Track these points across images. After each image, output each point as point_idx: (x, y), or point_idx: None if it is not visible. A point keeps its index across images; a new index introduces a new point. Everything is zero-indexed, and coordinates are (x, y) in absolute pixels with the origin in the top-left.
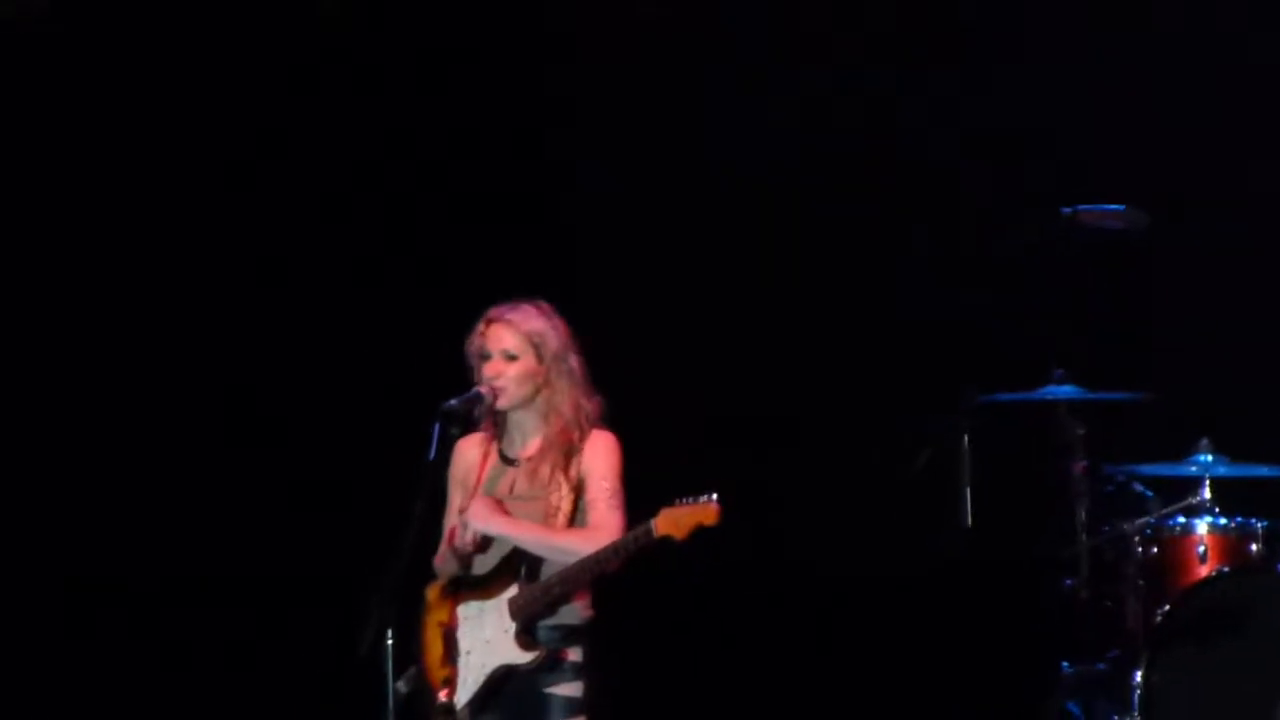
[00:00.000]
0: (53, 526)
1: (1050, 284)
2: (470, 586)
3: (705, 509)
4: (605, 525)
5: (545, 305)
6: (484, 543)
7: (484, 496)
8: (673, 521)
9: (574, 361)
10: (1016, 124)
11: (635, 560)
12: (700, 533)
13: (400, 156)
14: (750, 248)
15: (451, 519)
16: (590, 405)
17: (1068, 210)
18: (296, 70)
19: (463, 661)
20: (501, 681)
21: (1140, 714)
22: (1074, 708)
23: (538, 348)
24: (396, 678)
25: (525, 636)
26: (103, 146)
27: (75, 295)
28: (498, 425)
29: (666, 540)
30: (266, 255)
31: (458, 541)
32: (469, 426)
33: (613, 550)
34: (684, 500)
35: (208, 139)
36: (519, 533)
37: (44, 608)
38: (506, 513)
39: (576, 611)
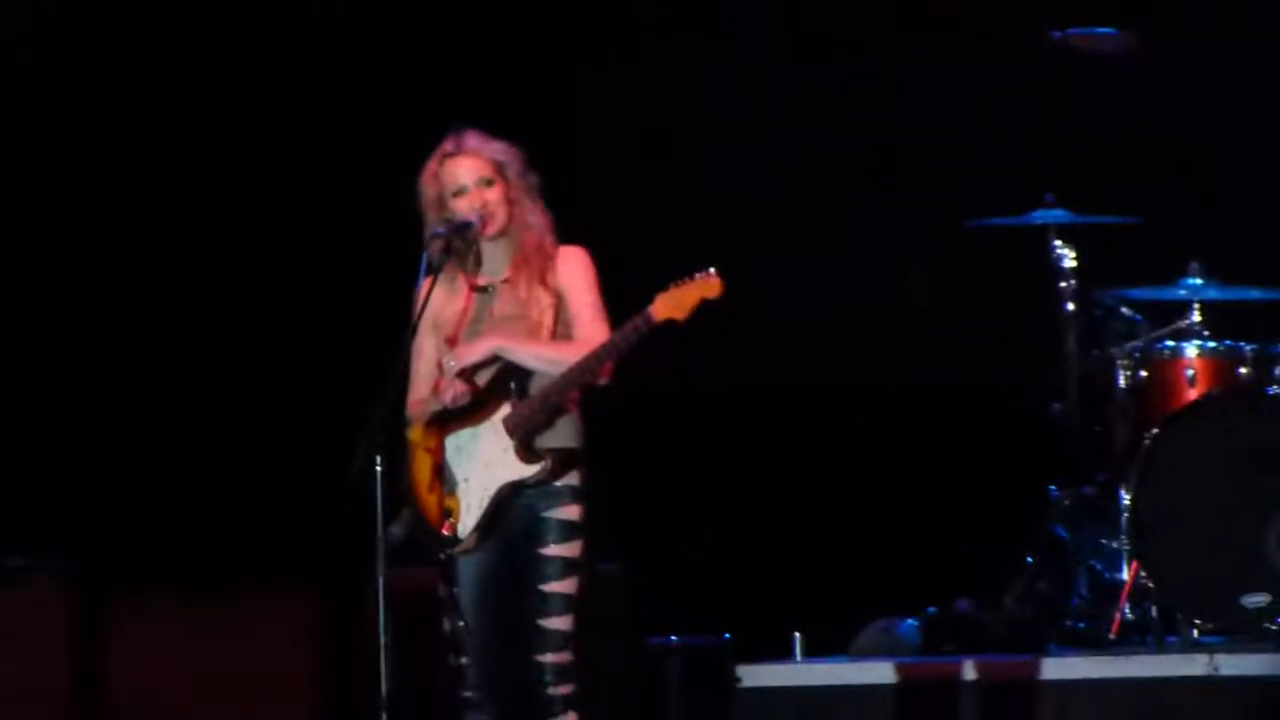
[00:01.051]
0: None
1: (1041, 108)
2: (457, 416)
3: (706, 282)
4: (594, 338)
5: (489, 133)
6: (470, 380)
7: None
8: (673, 303)
9: (533, 178)
10: None
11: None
12: (704, 307)
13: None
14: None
15: (420, 363)
16: (550, 217)
17: (1058, 34)
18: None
19: (462, 489)
20: (506, 502)
21: (1128, 537)
22: (1062, 531)
23: (503, 168)
24: (386, 509)
25: (525, 451)
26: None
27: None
28: (463, 262)
29: (669, 323)
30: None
31: (444, 394)
32: (430, 271)
33: (611, 345)
34: (680, 280)
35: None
36: (520, 347)
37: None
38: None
39: (572, 432)
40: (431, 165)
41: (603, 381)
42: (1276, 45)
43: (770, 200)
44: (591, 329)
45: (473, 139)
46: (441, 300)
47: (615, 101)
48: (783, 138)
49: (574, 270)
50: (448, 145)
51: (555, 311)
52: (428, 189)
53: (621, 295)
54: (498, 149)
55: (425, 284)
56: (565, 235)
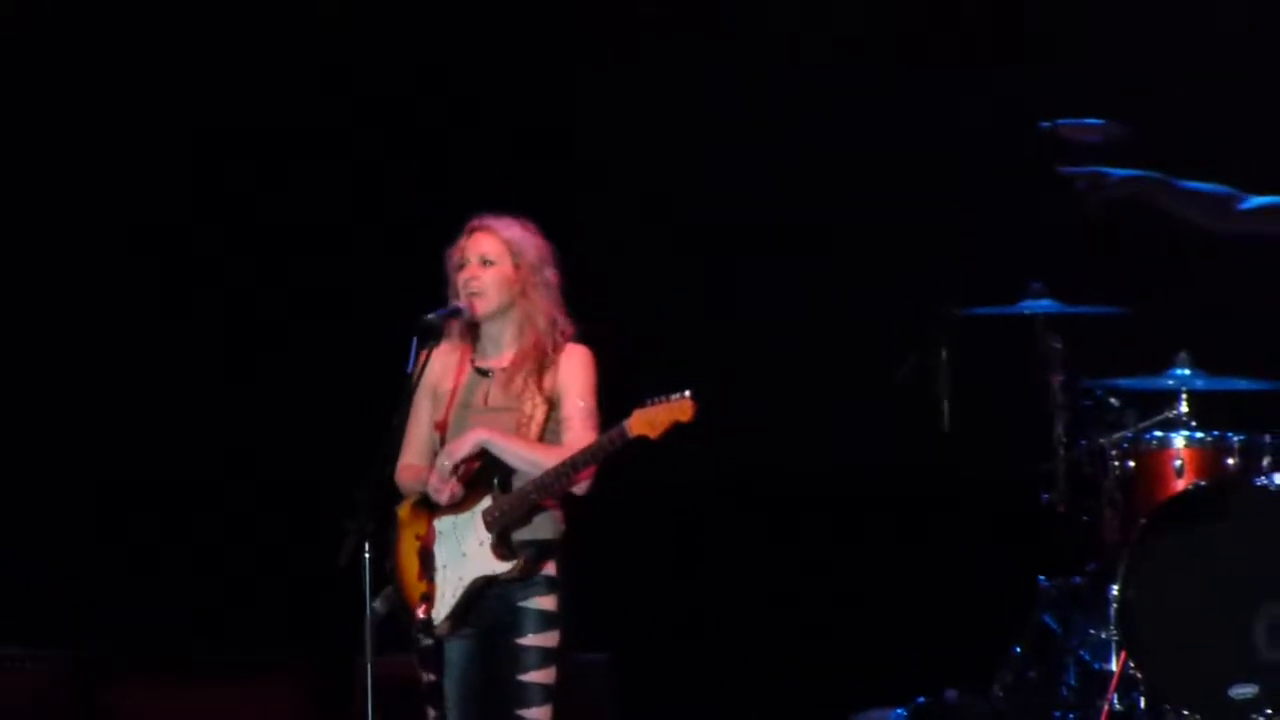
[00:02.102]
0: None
1: (1030, 198)
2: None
3: (680, 405)
4: (578, 444)
5: (529, 223)
6: (461, 473)
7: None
8: (647, 421)
9: (550, 274)
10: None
11: (605, 465)
12: (675, 430)
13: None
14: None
15: (416, 429)
16: (564, 321)
17: (1047, 125)
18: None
19: (440, 576)
20: (479, 594)
21: (1117, 628)
22: (1051, 621)
23: (515, 255)
24: (373, 594)
25: (501, 548)
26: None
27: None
28: (472, 337)
29: (642, 440)
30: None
31: (435, 493)
32: (439, 340)
33: (588, 454)
34: (657, 399)
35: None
36: (505, 443)
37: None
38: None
39: (551, 526)
40: (461, 237)
41: (579, 489)
42: (1259, 136)
43: (761, 280)
44: (579, 435)
45: (499, 220)
46: (440, 371)
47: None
48: (781, 214)
49: (573, 372)
50: (477, 218)
51: (548, 410)
52: (451, 257)
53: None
54: (516, 235)
55: (423, 353)
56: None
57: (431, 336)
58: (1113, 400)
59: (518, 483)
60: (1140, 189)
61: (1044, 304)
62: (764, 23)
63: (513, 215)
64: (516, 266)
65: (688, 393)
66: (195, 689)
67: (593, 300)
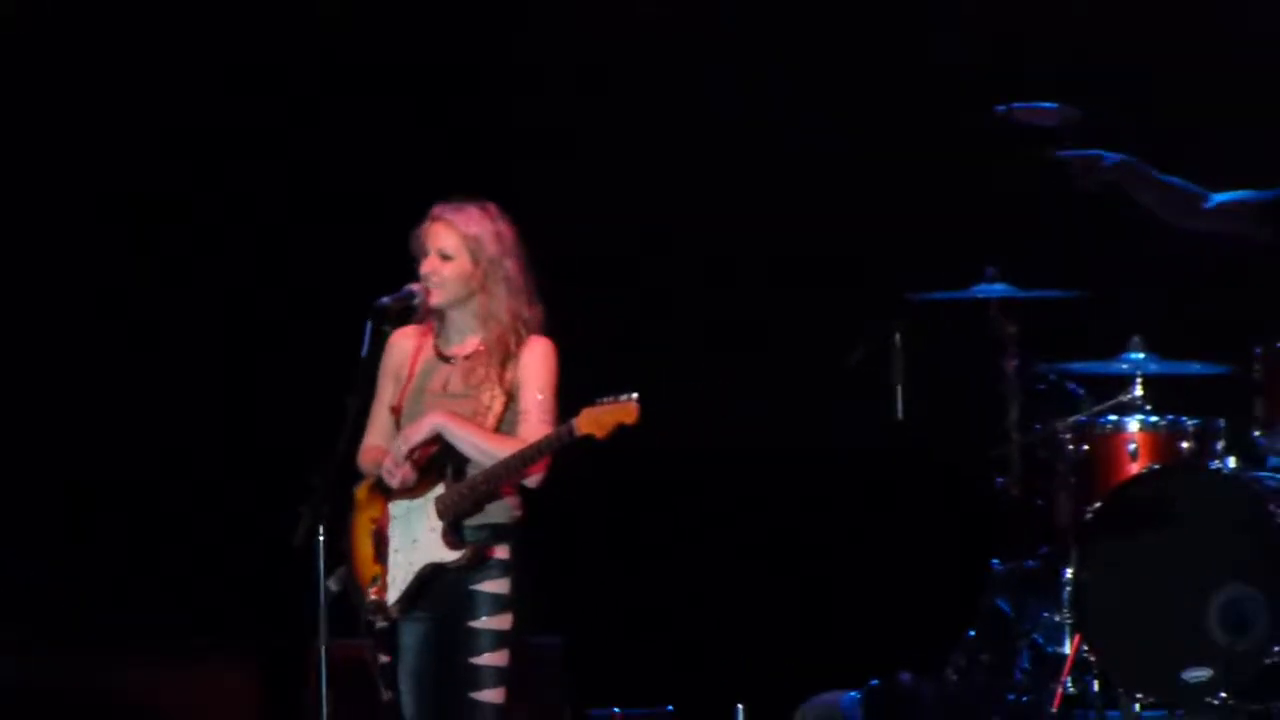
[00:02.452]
0: None
1: (984, 181)
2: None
3: (625, 408)
4: (532, 437)
5: (492, 208)
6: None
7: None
8: (594, 420)
9: (512, 267)
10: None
11: (558, 458)
12: (621, 431)
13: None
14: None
15: (380, 410)
16: (530, 312)
17: (1002, 108)
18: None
19: (392, 560)
20: (429, 579)
21: (1071, 611)
22: (1004, 605)
23: (474, 251)
24: (328, 575)
25: (452, 535)
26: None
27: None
28: (436, 321)
29: (588, 439)
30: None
31: (388, 477)
32: (403, 322)
33: (535, 449)
34: (605, 400)
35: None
36: (459, 430)
37: None
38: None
39: (504, 510)
40: (426, 221)
41: (531, 482)
42: (1216, 120)
43: (718, 265)
44: (535, 428)
45: (462, 212)
46: (404, 353)
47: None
48: (747, 196)
49: (534, 364)
50: (439, 208)
51: (506, 401)
52: (416, 239)
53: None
54: (477, 231)
55: (396, 334)
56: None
57: (385, 320)
58: (1067, 384)
59: (471, 471)
60: (1125, 174)
61: (998, 288)
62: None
63: (476, 201)
64: (475, 262)
65: (634, 395)
66: (148, 669)
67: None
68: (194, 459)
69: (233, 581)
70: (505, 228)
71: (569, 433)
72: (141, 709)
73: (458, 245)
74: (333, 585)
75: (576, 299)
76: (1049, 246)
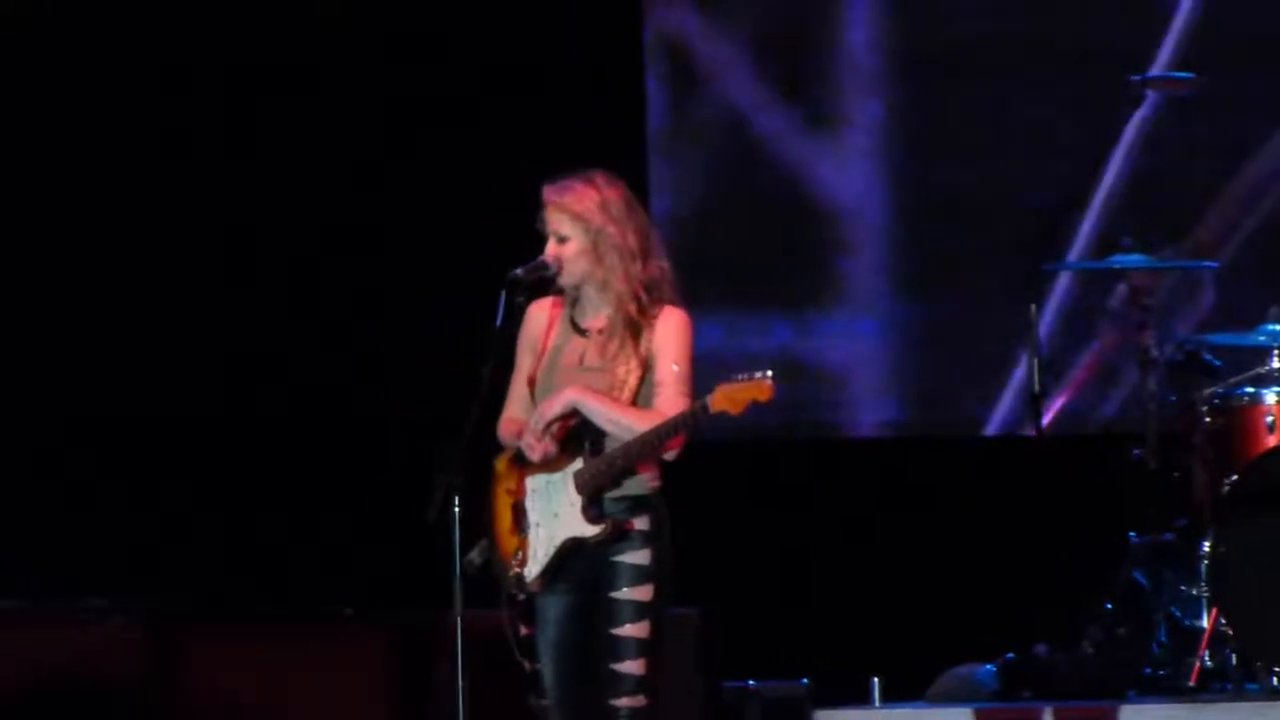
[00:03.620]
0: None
1: (1119, 153)
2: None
3: (760, 385)
4: (669, 410)
5: (598, 176)
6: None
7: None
8: (728, 398)
9: (617, 234)
10: None
11: (692, 434)
12: (755, 407)
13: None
14: None
15: (519, 382)
16: (650, 274)
17: (1137, 78)
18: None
19: (532, 534)
20: (569, 553)
21: (1207, 584)
22: (1141, 578)
23: (584, 227)
24: (464, 544)
25: (591, 510)
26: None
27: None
28: (568, 292)
29: (722, 415)
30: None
31: (528, 450)
32: (537, 293)
33: (671, 425)
34: (740, 377)
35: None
36: (596, 404)
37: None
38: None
39: (643, 482)
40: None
41: (669, 455)
42: None
43: (857, 241)
44: (671, 400)
45: (569, 191)
46: (538, 326)
47: None
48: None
49: (668, 335)
50: (548, 189)
51: (641, 373)
52: (539, 226)
53: None
54: (585, 207)
55: (533, 306)
56: None
57: (519, 291)
58: (1204, 355)
59: (608, 445)
60: None
61: (1134, 258)
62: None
63: (580, 174)
64: (590, 238)
65: (769, 373)
66: (283, 643)
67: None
68: (330, 431)
69: (369, 552)
70: (612, 193)
71: (703, 410)
72: (276, 681)
73: (570, 225)
74: (475, 557)
75: None
76: (1184, 217)
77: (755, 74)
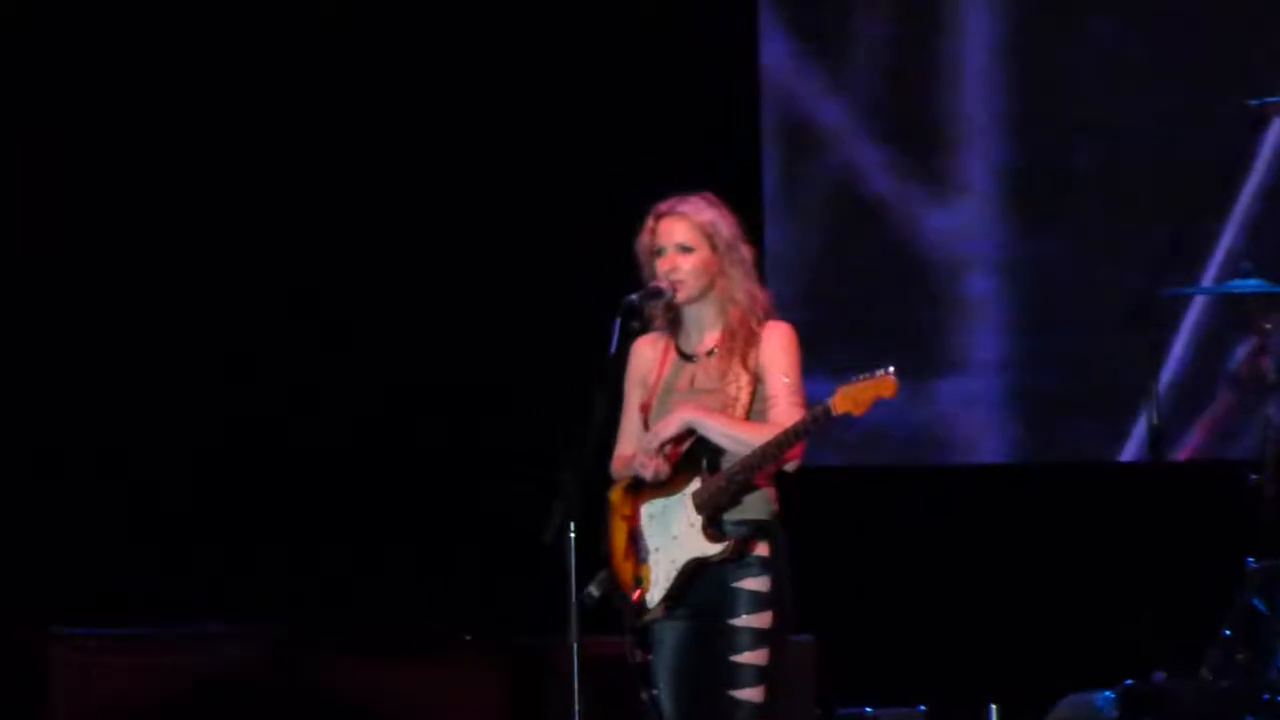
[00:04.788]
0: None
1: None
2: (652, 485)
3: (883, 382)
4: (785, 421)
5: (711, 195)
6: (669, 454)
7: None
8: (850, 399)
9: (745, 251)
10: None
11: (811, 441)
12: (879, 406)
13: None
14: None
15: (629, 419)
16: (763, 295)
17: (1256, 103)
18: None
19: (652, 560)
20: (692, 576)
21: None
22: (1260, 604)
23: (711, 238)
24: (580, 571)
25: (712, 529)
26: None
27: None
28: (673, 322)
29: (846, 417)
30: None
31: (641, 468)
32: (648, 322)
33: (792, 432)
34: (861, 376)
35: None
36: (711, 421)
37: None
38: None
39: (763, 505)
40: (649, 220)
41: (789, 467)
42: None
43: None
44: (786, 412)
45: (688, 203)
46: (649, 360)
47: None
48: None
49: (776, 349)
50: (664, 204)
51: (753, 389)
52: (642, 241)
53: None
54: (710, 218)
55: (639, 342)
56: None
57: (633, 317)
58: None
59: (726, 463)
60: None
61: (1252, 283)
62: None
63: (697, 193)
64: (714, 249)
65: (891, 369)
66: (403, 665)
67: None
68: (449, 457)
69: (488, 578)
70: (730, 212)
71: (825, 413)
72: (394, 705)
73: (695, 236)
74: (594, 590)
75: None
76: None
77: (869, 135)
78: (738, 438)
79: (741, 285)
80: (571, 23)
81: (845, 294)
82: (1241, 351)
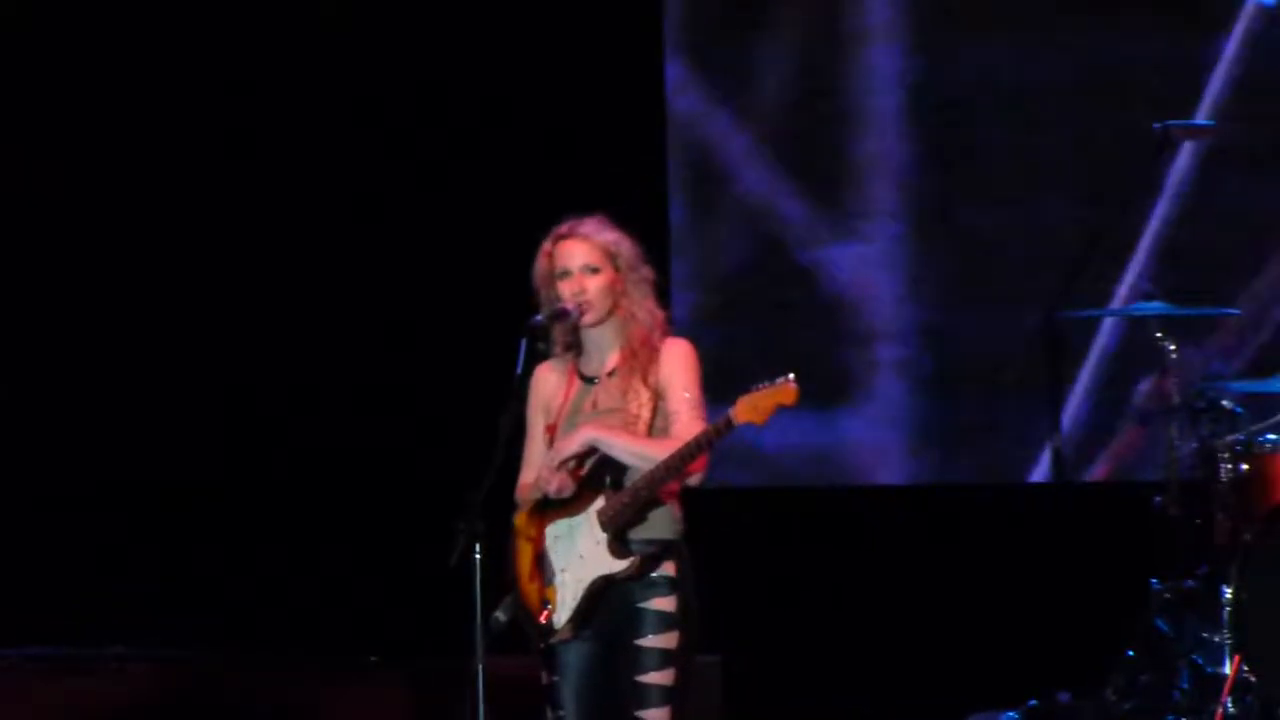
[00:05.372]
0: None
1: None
2: (556, 506)
3: (783, 389)
4: (687, 435)
5: (604, 217)
6: (571, 471)
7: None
8: (751, 407)
9: (646, 270)
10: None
11: (713, 455)
12: (780, 414)
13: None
14: None
15: (533, 447)
16: (661, 313)
17: (1159, 126)
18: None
19: (559, 580)
20: (599, 594)
21: (1230, 631)
22: (1163, 625)
23: (614, 258)
24: (485, 592)
25: (618, 545)
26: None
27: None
28: (572, 345)
29: (748, 426)
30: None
31: (544, 484)
32: (551, 345)
33: (695, 444)
34: (761, 385)
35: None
36: (613, 439)
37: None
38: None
39: (668, 523)
40: (546, 244)
41: (693, 480)
42: None
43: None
44: (687, 427)
45: (589, 224)
46: (553, 386)
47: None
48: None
49: (676, 365)
50: (563, 227)
51: (654, 405)
52: (540, 266)
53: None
54: (612, 238)
55: (540, 369)
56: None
57: (539, 338)
58: (1225, 402)
59: (629, 480)
60: None
61: (1155, 306)
62: None
63: (594, 215)
64: (617, 269)
65: (791, 376)
66: (308, 688)
67: None
68: (352, 476)
69: (391, 599)
70: (626, 234)
71: (727, 424)
72: None
73: (599, 256)
74: (501, 615)
75: None
76: (1205, 264)
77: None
78: (640, 453)
79: (643, 305)
80: (486, 48)
81: (753, 321)
82: (1145, 385)
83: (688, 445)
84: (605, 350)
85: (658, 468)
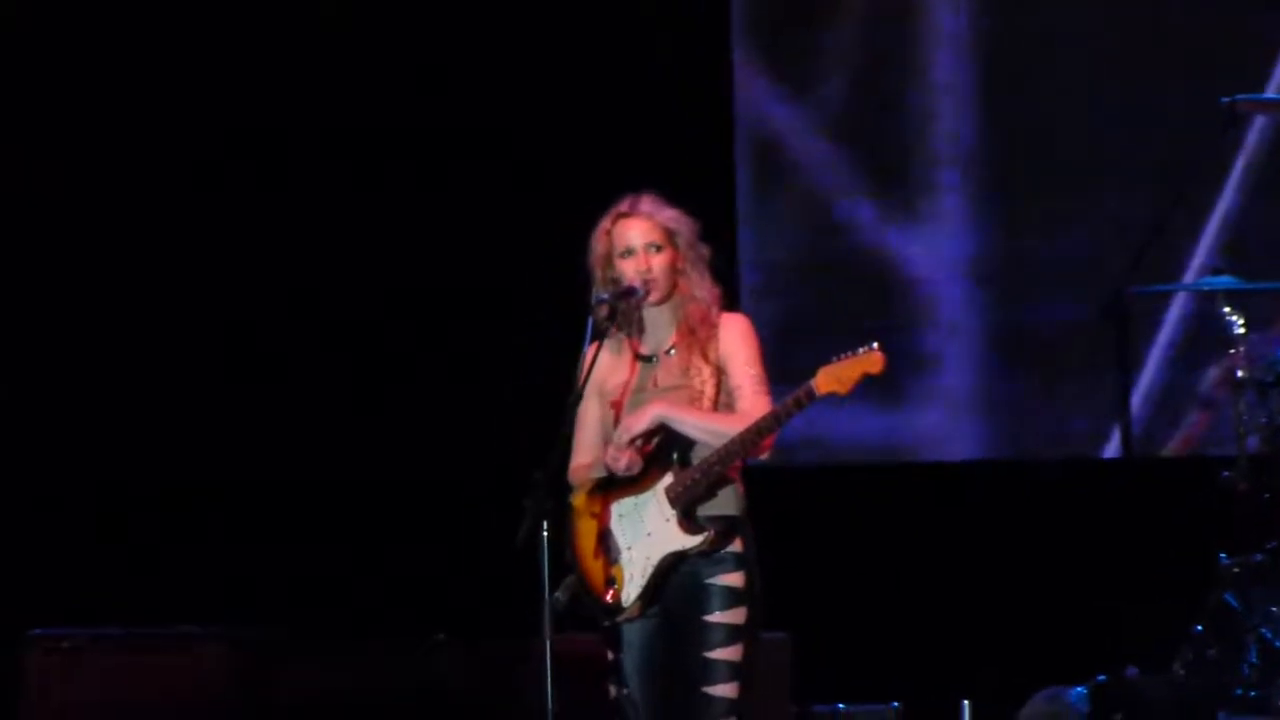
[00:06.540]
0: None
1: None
2: (621, 484)
3: (870, 358)
4: (754, 410)
5: (658, 195)
6: (637, 448)
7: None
8: (834, 378)
9: (703, 248)
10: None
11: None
12: (866, 383)
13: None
14: None
15: (586, 429)
16: (717, 290)
17: (1226, 100)
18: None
19: (625, 559)
20: (668, 571)
21: None
22: (1232, 599)
23: (674, 235)
24: (551, 572)
25: (688, 521)
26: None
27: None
28: (631, 325)
29: (831, 397)
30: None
31: (613, 462)
32: (619, 323)
33: (773, 417)
34: (843, 355)
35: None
36: (683, 415)
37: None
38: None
39: (734, 501)
40: (604, 223)
41: (764, 455)
42: None
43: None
44: (753, 401)
45: (648, 202)
46: (608, 366)
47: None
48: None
49: (736, 341)
50: (623, 205)
51: (717, 382)
52: (597, 246)
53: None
54: (671, 216)
55: (591, 349)
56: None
57: (608, 316)
58: None
59: (696, 456)
60: None
61: (1224, 280)
62: None
63: (651, 193)
64: (677, 248)
65: (875, 344)
66: (376, 667)
67: None
68: (420, 458)
69: (460, 577)
70: (685, 213)
71: (808, 395)
72: (368, 706)
73: (662, 235)
74: (561, 596)
75: None
76: (1274, 240)
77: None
78: (711, 429)
79: (701, 282)
80: (549, 37)
81: (817, 298)
82: (1212, 371)
83: (765, 418)
84: (663, 328)
85: (732, 442)
